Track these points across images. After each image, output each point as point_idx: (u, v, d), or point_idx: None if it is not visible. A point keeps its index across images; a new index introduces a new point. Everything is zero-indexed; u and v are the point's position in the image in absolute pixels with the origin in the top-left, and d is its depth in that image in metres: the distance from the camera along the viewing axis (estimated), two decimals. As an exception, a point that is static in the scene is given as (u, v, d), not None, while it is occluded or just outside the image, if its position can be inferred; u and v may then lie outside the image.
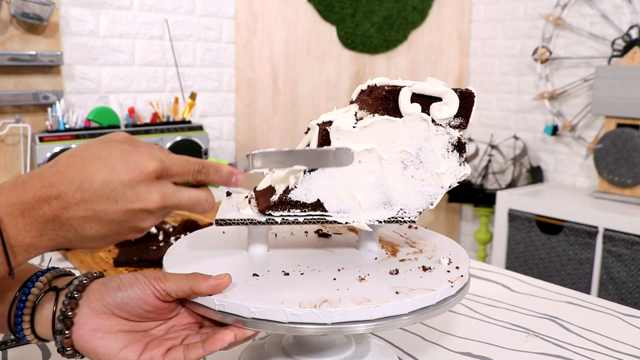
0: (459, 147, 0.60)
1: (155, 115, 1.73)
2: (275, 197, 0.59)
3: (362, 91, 0.64)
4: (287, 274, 0.57)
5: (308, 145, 0.60)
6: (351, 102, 0.65)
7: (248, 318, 0.50)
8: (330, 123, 0.59)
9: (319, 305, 0.50)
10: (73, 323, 0.50)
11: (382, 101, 0.59)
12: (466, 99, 0.59)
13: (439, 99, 0.59)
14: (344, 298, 0.51)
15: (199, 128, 1.71)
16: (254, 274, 0.56)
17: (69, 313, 0.49)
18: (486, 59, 2.71)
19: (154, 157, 0.47)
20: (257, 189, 0.65)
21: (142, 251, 0.99)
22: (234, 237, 0.68)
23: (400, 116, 0.59)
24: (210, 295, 0.52)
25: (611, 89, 2.05)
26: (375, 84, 0.61)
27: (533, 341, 0.75)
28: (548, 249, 2.15)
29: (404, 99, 0.58)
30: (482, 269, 1.04)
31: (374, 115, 0.58)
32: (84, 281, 0.52)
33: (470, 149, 2.63)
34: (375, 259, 0.62)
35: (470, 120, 0.60)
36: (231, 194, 0.69)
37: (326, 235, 0.70)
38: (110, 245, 0.50)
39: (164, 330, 0.54)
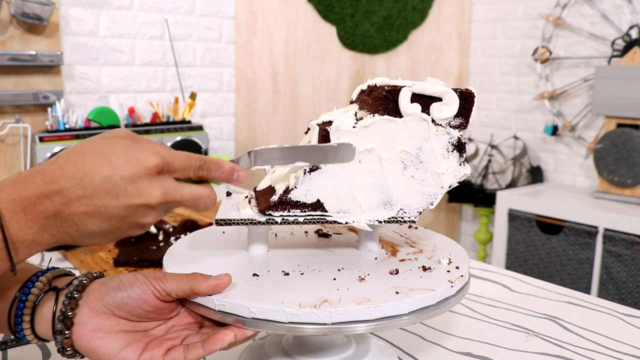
0: (459, 147, 0.60)
1: (155, 115, 1.73)
2: (275, 197, 0.59)
3: (362, 91, 0.64)
4: (287, 274, 0.57)
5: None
6: (351, 102, 0.65)
7: (248, 318, 0.50)
8: (330, 123, 0.59)
9: (319, 305, 0.50)
10: (73, 323, 0.50)
11: (382, 101, 0.59)
12: (466, 99, 0.59)
13: (439, 99, 0.59)
14: (344, 298, 0.51)
15: (199, 128, 1.71)
16: (254, 274, 0.56)
17: (69, 313, 0.49)
18: (486, 59, 2.71)
19: (155, 153, 0.47)
20: (257, 189, 0.65)
21: (142, 251, 0.99)
22: (234, 237, 0.68)
23: (400, 116, 0.59)
24: (210, 295, 0.51)
25: (611, 89, 2.05)
26: (375, 84, 0.61)
27: (533, 341, 0.75)
28: (548, 249, 2.15)
29: (404, 99, 0.58)
30: (482, 269, 1.04)
31: (374, 115, 0.58)
32: (84, 281, 0.52)
33: (470, 149, 2.63)
34: (375, 259, 0.62)
35: (470, 120, 0.60)
36: (231, 193, 0.69)
37: (326, 235, 0.70)
38: (112, 242, 0.50)
39: (164, 330, 0.54)
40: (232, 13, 2.01)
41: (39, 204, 0.44)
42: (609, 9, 2.25)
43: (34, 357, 0.69)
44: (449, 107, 0.59)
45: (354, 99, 0.65)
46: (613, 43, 2.18)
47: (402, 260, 0.61)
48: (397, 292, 0.53)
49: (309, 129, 0.62)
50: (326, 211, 0.59)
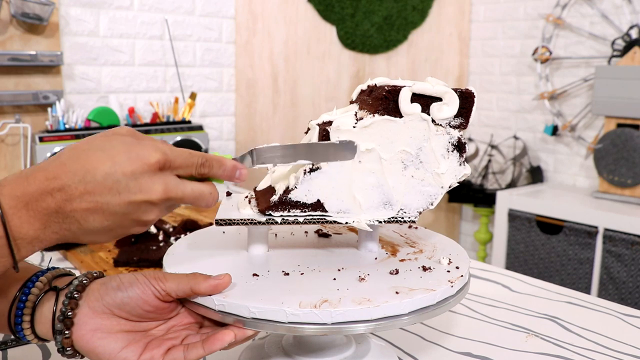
0: (459, 147, 0.60)
1: (155, 115, 1.73)
2: (275, 198, 0.59)
3: (362, 91, 0.64)
4: (287, 274, 0.57)
5: (308, 145, 0.60)
6: (351, 102, 0.65)
7: (248, 318, 0.50)
8: (330, 123, 0.59)
9: (319, 305, 0.50)
10: (73, 323, 0.50)
11: (382, 101, 0.59)
12: (466, 99, 0.59)
13: (439, 99, 0.59)
14: (344, 298, 0.51)
15: (199, 128, 1.71)
16: (254, 274, 0.56)
17: (69, 313, 0.49)
18: (486, 59, 2.71)
19: (157, 149, 0.47)
20: (257, 189, 0.65)
21: (142, 251, 0.99)
22: (234, 237, 0.68)
23: (400, 116, 0.59)
24: (210, 295, 0.51)
25: (611, 89, 2.05)
26: (375, 84, 0.61)
27: (533, 341, 0.75)
28: (548, 249, 2.15)
29: (404, 99, 0.58)
30: (482, 269, 1.04)
31: (374, 115, 0.58)
32: (84, 281, 0.52)
33: (470, 149, 2.63)
34: (375, 259, 0.62)
35: (470, 120, 0.60)
36: (231, 193, 0.69)
37: (326, 235, 0.70)
38: (114, 240, 0.50)
39: (164, 330, 0.54)
40: (232, 13, 2.01)
41: (41, 200, 0.44)
42: (609, 9, 2.25)
43: (34, 357, 0.69)
44: (449, 107, 0.59)
45: (354, 99, 0.65)
46: (613, 43, 2.18)
47: (402, 260, 0.61)
48: (397, 292, 0.53)
49: (309, 129, 0.62)
50: (326, 211, 0.59)
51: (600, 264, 1.99)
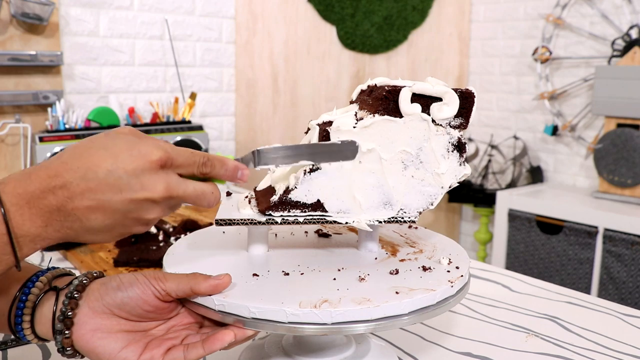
0: (459, 147, 0.60)
1: (155, 115, 1.73)
2: (275, 198, 0.59)
3: (362, 91, 0.64)
4: (287, 274, 0.57)
5: (308, 145, 0.60)
6: (351, 102, 0.65)
7: (248, 318, 0.50)
8: (330, 123, 0.59)
9: (319, 305, 0.50)
10: (73, 323, 0.50)
11: (382, 101, 0.59)
12: (466, 99, 0.59)
13: (439, 99, 0.59)
14: (344, 298, 0.51)
15: (199, 128, 1.71)
16: (254, 274, 0.56)
17: (69, 313, 0.49)
18: (486, 59, 2.71)
19: (159, 147, 0.47)
20: (257, 189, 0.65)
21: (142, 251, 0.99)
22: (234, 237, 0.68)
23: (401, 116, 0.59)
24: (210, 295, 0.51)
25: (611, 89, 2.05)
26: (375, 84, 0.61)
27: (533, 341, 0.75)
28: (548, 249, 2.15)
29: (404, 99, 0.58)
30: (482, 269, 1.04)
31: (374, 116, 0.58)
32: (84, 281, 0.52)
33: (470, 149, 2.63)
34: (375, 259, 0.62)
35: (470, 120, 0.60)
36: (231, 193, 0.69)
37: (326, 235, 0.70)
38: (116, 239, 0.50)
39: (164, 330, 0.54)
40: (232, 13, 2.01)
41: (43, 198, 0.44)
42: (609, 9, 2.25)
43: (34, 357, 0.69)
44: (449, 107, 0.59)
45: (354, 99, 0.65)
46: (613, 43, 2.18)
47: (402, 260, 0.61)
48: (397, 292, 0.53)
49: (309, 129, 0.62)
50: (326, 211, 0.59)
51: (600, 264, 1.99)
